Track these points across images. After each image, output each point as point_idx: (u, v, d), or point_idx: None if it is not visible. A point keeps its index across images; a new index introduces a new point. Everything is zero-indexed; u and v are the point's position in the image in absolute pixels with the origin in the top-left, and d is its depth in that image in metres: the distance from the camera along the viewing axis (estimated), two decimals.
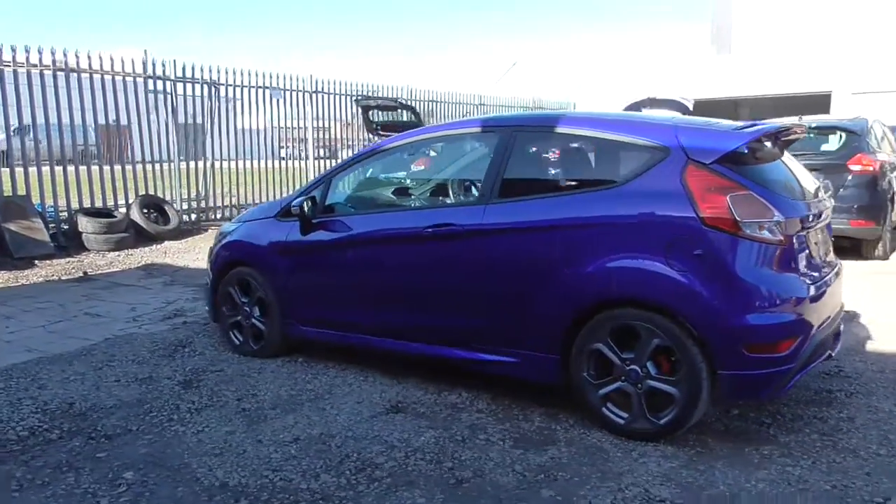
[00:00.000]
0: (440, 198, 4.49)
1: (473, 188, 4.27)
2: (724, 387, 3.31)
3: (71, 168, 9.58)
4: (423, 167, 5.52)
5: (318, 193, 4.58)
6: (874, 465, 3.23)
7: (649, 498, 2.93)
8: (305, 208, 4.39)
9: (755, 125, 3.70)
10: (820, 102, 16.02)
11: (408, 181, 4.77)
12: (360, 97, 12.63)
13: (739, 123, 3.76)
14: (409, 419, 3.79)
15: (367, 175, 4.91)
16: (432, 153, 5.09)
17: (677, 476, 3.12)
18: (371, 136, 11.97)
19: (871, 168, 8.18)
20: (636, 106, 13.93)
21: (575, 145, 3.86)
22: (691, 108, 14.21)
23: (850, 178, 8.13)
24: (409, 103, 13.12)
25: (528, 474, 3.16)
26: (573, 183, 3.79)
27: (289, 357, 4.82)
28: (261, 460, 3.33)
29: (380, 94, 13.17)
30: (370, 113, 11.80)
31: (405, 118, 11.85)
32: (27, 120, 9.20)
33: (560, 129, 3.86)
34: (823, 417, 3.77)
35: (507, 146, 3.89)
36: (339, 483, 3.11)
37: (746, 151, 3.45)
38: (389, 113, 11.97)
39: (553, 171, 3.98)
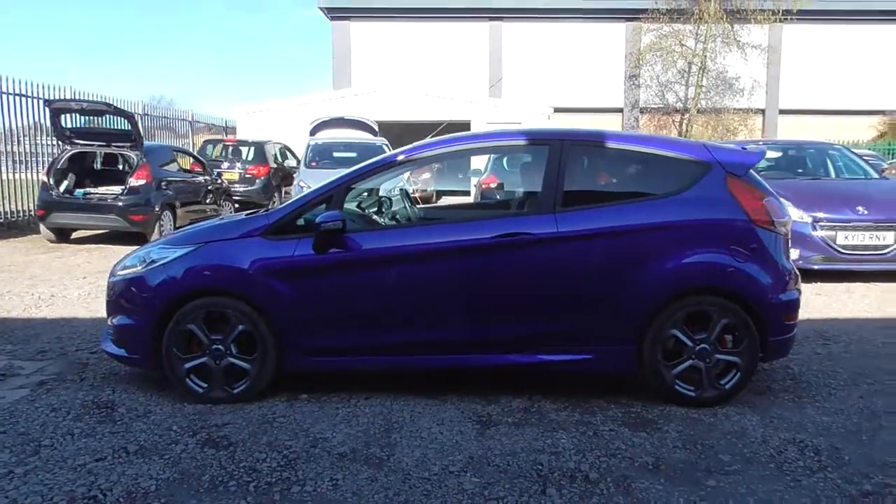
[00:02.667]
0: (486, 208, 4.44)
1: (523, 197, 4.36)
2: (770, 350, 4.15)
3: None
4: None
5: (327, 207, 4.12)
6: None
7: (797, 441, 3.60)
8: (336, 224, 3.93)
9: (749, 145, 4.65)
10: (463, 129, 18.79)
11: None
12: (54, 99, 10.47)
13: (732, 144, 4.67)
14: (519, 430, 3.77)
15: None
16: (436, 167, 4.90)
17: (784, 423, 3.84)
18: (61, 143, 10.11)
19: None
20: (323, 125, 14.37)
21: (627, 159, 4.31)
22: (377, 128, 15.21)
23: None
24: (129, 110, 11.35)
25: (687, 449, 3.54)
26: (634, 192, 4.24)
27: (280, 398, 4.18)
28: (450, 488, 3.06)
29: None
30: (63, 117, 9.94)
31: (118, 126, 10.28)
32: None
33: (610, 144, 4.27)
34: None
35: (560, 158, 4.14)
36: (576, 494, 3.08)
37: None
38: (94, 118, 10.23)
39: (612, 182, 4.35)
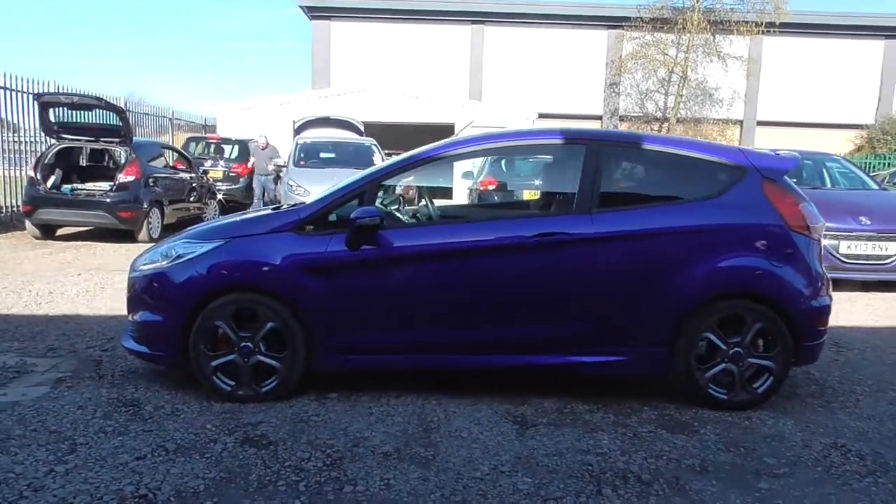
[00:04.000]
0: (520, 206, 4.41)
1: (557, 197, 4.34)
2: (802, 355, 4.18)
3: None
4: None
5: (360, 202, 4.07)
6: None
7: (839, 446, 3.63)
8: (374, 221, 3.88)
9: (781, 151, 4.69)
10: (447, 133, 18.74)
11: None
12: (44, 93, 10.21)
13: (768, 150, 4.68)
14: (558, 430, 3.74)
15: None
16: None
17: (820, 428, 3.87)
18: (49, 137, 9.87)
19: None
20: (309, 124, 14.26)
21: (663, 161, 4.31)
22: (363, 128, 15.12)
23: None
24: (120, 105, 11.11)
25: (730, 451, 3.54)
26: (670, 195, 4.24)
27: (309, 396, 4.11)
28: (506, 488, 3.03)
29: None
30: (52, 111, 9.71)
31: (108, 121, 10.07)
32: None
33: (647, 146, 4.27)
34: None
35: (596, 159, 4.13)
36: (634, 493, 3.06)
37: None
38: (83, 113, 10.00)
39: (648, 184, 4.34)
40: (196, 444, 3.45)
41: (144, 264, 4.31)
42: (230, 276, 4.03)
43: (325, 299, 3.98)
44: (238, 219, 4.38)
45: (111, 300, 6.69)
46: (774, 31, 25.05)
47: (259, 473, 3.16)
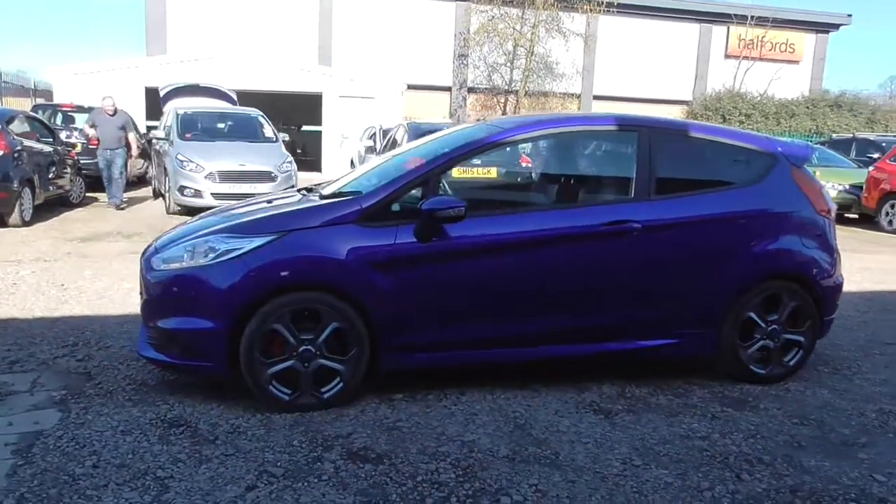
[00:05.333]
0: (579, 194, 4.27)
1: (610, 184, 4.28)
2: (824, 329, 4.52)
3: None
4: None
5: (422, 192, 3.82)
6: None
7: (886, 412, 3.97)
8: (459, 212, 3.65)
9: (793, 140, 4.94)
10: (314, 102, 17.97)
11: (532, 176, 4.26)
12: None
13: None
14: (639, 416, 3.77)
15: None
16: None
17: (854, 395, 4.21)
18: None
19: None
20: (176, 92, 13.18)
21: (706, 148, 4.39)
22: (235, 97, 14.20)
23: None
24: None
25: (805, 425, 3.77)
26: (714, 181, 4.34)
27: (372, 400, 3.84)
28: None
29: None
30: None
31: None
32: None
33: (692, 133, 4.35)
34: None
35: (650, 145, 4.16)
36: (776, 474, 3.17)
37: None
38: None
39: (695, 170, 4.39)
40: (300, 465, 3.10)
41: (168, 263, 3.76)
42: (290, 273, 3.62)
43: (393, 295, 3.70)
44: (284, 210, 3.92)
45: (34, 298, 5.80)
46: (613, 11, 26.50)
47: (398, 493, 2.90)
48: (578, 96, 29.88)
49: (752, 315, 4.26)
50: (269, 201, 4.29)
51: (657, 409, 3.89)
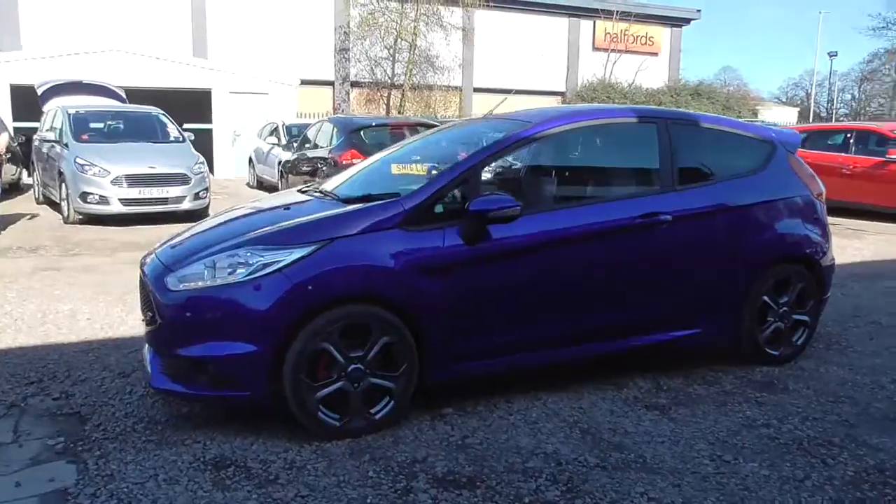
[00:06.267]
0: (612, 187, 4.12)
1: (638, 177, 4.18)
2: (822, 308, 4.70)
3: None
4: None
5: (463, 191, 3.59)
6: None
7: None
8: (515, 211, 3.45)
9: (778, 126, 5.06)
10: (202, 99, 16.82)
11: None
12: None
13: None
14: (692, 408, 3.74)
15: None
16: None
17: (863, 370, 4.39)
18: None
19: None
20: (56, 90, 12.07)
21: (715, 138, 4.40)
22: (124, 95, 13.16)
23: None
24: None
25: (842, 403, 3.88)
26: (725, 170, 4.35)
27: (422, 417, 3.58)
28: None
29: None
30: None
31: None
32: None
33: (703, 124, 4.37)
34: None
35: (669, 136, 4.14)
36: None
37: None
38: None
39: (710, 160, 4.36)
40: (392, 499, 2.82)
41: (188, 281, 3.31)
42: (339, 285, 3.29)
43: (441, 302, 3.46)
44: (318, 216, 3.54)
45: None
46: (490, 5, 26.86)
47: None
48: (460, 89, 30.09)
49: (766, 299, 4.34)
50: (287, 207, 3.88)
51: (702, 400, 3.87)
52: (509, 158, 4.14)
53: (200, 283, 3.30)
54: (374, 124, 9.38)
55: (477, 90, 30.54)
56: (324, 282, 3.25)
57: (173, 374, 3.34)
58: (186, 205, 10.02)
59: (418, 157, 4.55)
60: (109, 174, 9.47)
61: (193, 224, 4.33)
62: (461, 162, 3.67)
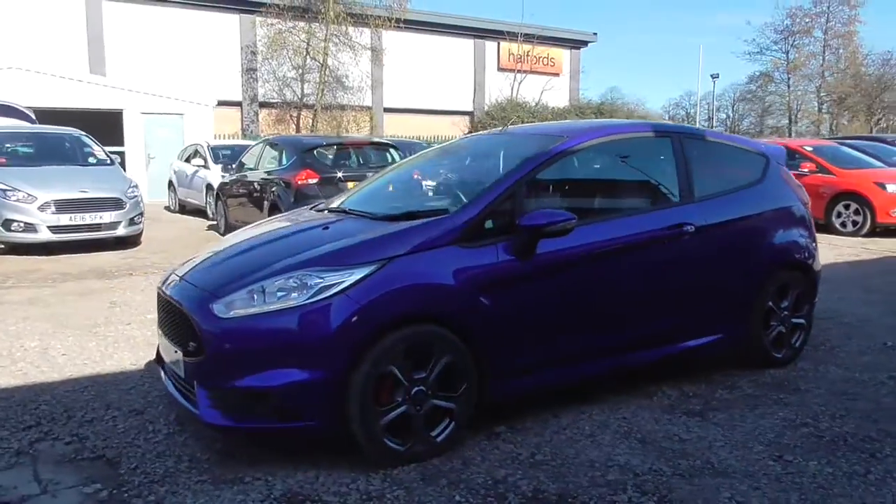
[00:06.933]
0: (640, 199, 4.16)
1: (662, 189, 4.26)
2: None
3: None
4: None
5: (510, 206, 3.57)
6: None
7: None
8: (571, 224, 3.46)
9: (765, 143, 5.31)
10: (112, 120, 15.87)
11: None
12: None
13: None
14: (728, 412, 3.85)
15: None
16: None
17: (865, 368, 4.65)
18: None
19: None
20: None
21: (718, 151, 4.57)
22: (33, 116, 12.38)
23: None
24: None
25: (856, 400, 4.10)
26: (729, 182, 4.51)
27: (476, 438, 3.51)
28: None
29: None
30: None
31: None
32: None
33: (708, 138, 4.54)
34: None
35: (682, 150, 4.28)
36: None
37: None
38: None
39: (718, 172, 4.49)
40: None
41: (237, 308, 3.13)
42: (403, 305, 3.20)
43: (497, 319, 3.42)
44: (370, 235, 3.41)
45: None
46: (400, 26, 27.00)
47: None
48: (370, 109, 30.03)
49: (771, 304, 4.54)
50: (326, 227, 3.72)
51: (733, 404, 3.99)
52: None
53: (253, 309, 3.12)
54: (325, 143, 9.18)
55: (387, 110, 30.60)
56: (388, 302, 3.15)
57: (226, 408, 3.13)
58: (121, 231, 9.47)
59: (443, 172, 4.50)
60: (36, 200, 8.82)
61: (212, 246, 4.09)
62: (506, 176, 3.65)
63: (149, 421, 3.75)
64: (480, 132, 5.45)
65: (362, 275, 3.14)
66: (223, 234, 11.12)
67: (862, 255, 9.47)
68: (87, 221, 9.12)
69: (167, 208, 15.76)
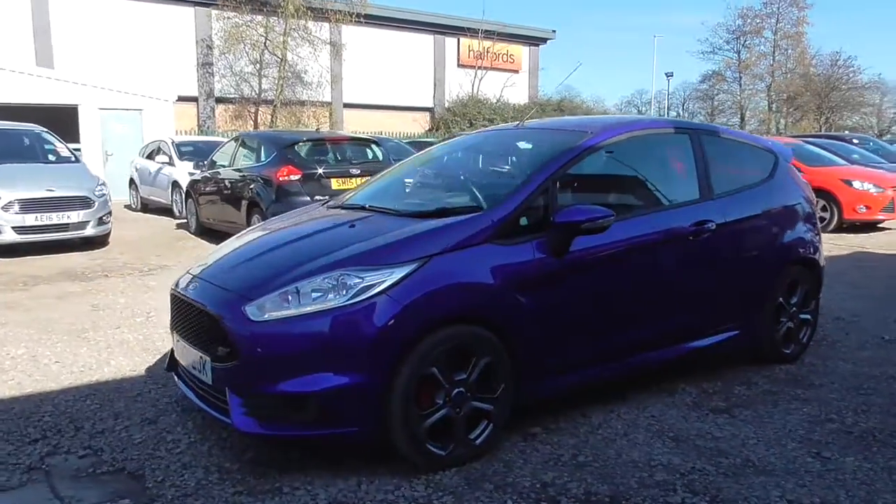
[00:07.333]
0: (663, 196, 4.10)
1: (683, 186, 4.23)
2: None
3: None
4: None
5: (543, 202, 3.51)
6: None
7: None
8: (609, 221, 3.42)
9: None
10: (67, 116, 15.25)
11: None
12: None
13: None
14: (754, 409, 3.87)
15: None
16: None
17: (870, 363, 4.73)
18: None
19: None
20: None
21: (732, 148, 4.58)
22: None
23: None
24: None
25: (874, 395, 4.17)
26: (743, 178, 4.52)
27: (511, 439, 3.44)
28: None
29: None
30: None
31: None
32: None
33: (724, 135, 4.56)
34: None
35: (701, 147, 4.28)
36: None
37: None
38: None
39: (733, 168, 4.50)
40: None
41: (272, 310, 3.00)
42: (445, 305, 3.12)
43: (533, 318, 3.36)
44: (406, 232, 3.30)
45: None
46: (361, 21, 26.71)
47: None
48: (330, 104, 29.67)
49: (781, 300, 4.59)
50: (352, 225, 3.59)
51: (755, 401, 4.01)
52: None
53: (289, 312, 2.99)
54: (304, 139, 8.98)
55: (347, 106, 30.26)
56: (430, 301, 3.06)
57: (262, 415, 3.00)
58: (90, 231, 9.12)
59: (461, 168, 4.42)
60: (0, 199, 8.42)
61: (226, 245, 3.94)
62: (539, 172, 3.57)
63: (165, 430, 3.58)
64: (493, 126, 5.37)
65: (403, 274, 3.04)
66: (193, 233, 10.82)
67: (833, 251, 9.68)
68: (55, 221, 8.75)
69: (128, 207, 15.26)
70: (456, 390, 3.13)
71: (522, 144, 4.25)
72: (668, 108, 53.79)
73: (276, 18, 25.19)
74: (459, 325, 3.15)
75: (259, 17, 25.38)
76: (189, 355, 3.37)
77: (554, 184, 3.56)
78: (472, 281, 3.19)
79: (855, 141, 16.49)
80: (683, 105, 57.26)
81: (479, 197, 3.66)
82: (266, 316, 2.99)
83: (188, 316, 3.40)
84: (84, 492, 3.00)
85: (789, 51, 43.58)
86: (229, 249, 3.78)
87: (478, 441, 3.22)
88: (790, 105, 42.53)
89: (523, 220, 3.43)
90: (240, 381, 3.03)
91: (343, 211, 4.07)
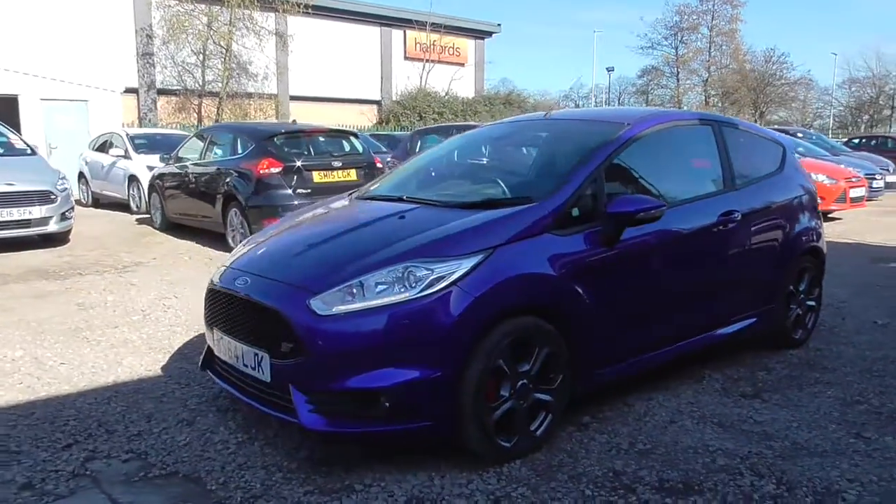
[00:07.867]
0: (693, 186, 4.15)
1: (709, 176, 4.29)
2: None
3: None
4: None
5: (592, 192, 3.53)
6: None
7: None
8: (662, 211, 3.48)
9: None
10: (5, 107, 14.41)
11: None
12: None
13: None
14: (781, 395, 3.99)
15: None
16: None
17: (874, 347, 4.93)
18: None
19: None
20: None
21: (747, 139, 4.69)
22: None
23: None
24: None
25: (890, 378, 4.36)
26: (759, 169, 4.64)
27: (568, 429, 3.46)
28: None
29: None
30: None
31: None
32: None
33: (741, 127, 4.67)
34: None
35: (723, 138, 4.38)
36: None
37: None
38: None
39: (750, 159, 4.59)
40: None
41: (341, 304, 2.93)
42: (511, 296, 3.11)
43: (589, 308, 3.38)
44: (467, 220, 3.26)
45: None
46: (308, 12, 26.27)
47: None
48: (276, 97, 29.11)
49: (792, 288, 4.74)
50: (402, 216, 3.53)
51: (779, 385, 4.14)
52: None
53: (357, 305, 2.93)
54: (283, 130, 8.76)
55: (294, 98, 29.76)
56: (498, 292, 3.04)
57: (331, 412, 2.93)
58: (52, 227, 8.71)
59: (486, 160, 4.41)
60: None
61: (265, 237, 3.83)
62: (587, 162, 3.58)
63: (208, 431, 3.46)
64: (517, 117, 5.35)
65: (471, 265, 3.01)
66: (158, 229, 10.46)
67: None
68: (16, 217, 8.32)
69: (78, 202, 14.61)
70: (520, 382, 3.12)
71: (558, 135, 4.26)
72: (606, 102, 54.82)
73: (219, 7, 24.50)
74: (524, 316, 3.14)
75: (202, 6, 24.66)
76: (237, 353, 3.26)
77: (601, 174, 3.58)
78: (536, 271, 3.19)
79: (799, 135, 17.12)
80: (619, 100, 58.44)
81: (526, 188, 3.65)
82: (333, 310, 2.92)
83: (235, 311, 3.29)
84: (144, 497, 2.88)
85: (724, 47, 45.01)
86: (268, 244, 3.66)
87: (538, 432, 3.23)
88: (726, 99, 43.95)
89: (575, 211, 3.44)
90: (306, 377, 2.94)
91: (376, 202, 4.00)
